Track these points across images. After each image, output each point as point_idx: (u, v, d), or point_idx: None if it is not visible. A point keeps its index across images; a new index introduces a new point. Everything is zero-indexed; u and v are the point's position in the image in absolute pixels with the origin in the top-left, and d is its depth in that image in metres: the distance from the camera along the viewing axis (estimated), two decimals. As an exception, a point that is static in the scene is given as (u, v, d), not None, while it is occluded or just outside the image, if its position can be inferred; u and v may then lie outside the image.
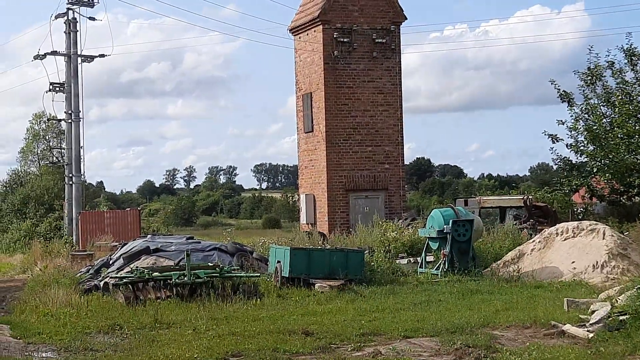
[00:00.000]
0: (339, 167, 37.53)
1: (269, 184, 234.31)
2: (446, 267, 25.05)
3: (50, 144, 74.56)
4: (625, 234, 27.86)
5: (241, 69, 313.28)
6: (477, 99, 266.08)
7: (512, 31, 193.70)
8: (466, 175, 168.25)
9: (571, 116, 38.34)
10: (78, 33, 44.14)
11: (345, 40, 37.44)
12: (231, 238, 30.48)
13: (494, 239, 28.86)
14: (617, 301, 15.87)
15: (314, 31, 38.09)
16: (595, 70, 38.07)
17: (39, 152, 76.38)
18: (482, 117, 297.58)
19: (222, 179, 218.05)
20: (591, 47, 38.33)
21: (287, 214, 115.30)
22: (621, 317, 14.68)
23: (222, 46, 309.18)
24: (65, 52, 44.05)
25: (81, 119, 43.97)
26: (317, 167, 38.10)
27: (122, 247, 28.26)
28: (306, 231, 34.74)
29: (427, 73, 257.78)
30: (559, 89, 38.54)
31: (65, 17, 43.99)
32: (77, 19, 44.12)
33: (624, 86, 37.87)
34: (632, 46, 38.40)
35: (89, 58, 44.56)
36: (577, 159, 38.71)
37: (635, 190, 37.61)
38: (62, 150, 49.54)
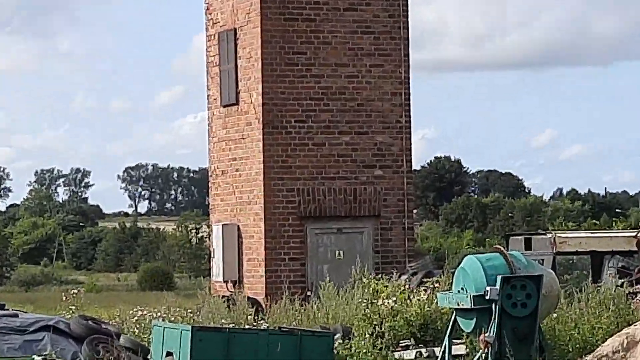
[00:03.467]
0: (287, 174, 27.01)
1: (153, 203, 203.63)
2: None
3: None
4: None
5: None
6: (554, 44, 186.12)
7: None
8: (529, 191, 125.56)
9: None
10: None
11: None
12: (78, 308, 22.68)
13: (581, 314, 20.55)
14: None
15: None
16: None
17: None
18: (563, 78, 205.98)
19: (63, 194, 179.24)
20: None
21: (187, 263, 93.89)
22: None
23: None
24: None
25: None
26: (247, 173, 27.75)
27: None
28: (224, 296, 26.10)
29: None
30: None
31: None
32: None
33: None
34: None
35: None
36: None
37: None
38: None
